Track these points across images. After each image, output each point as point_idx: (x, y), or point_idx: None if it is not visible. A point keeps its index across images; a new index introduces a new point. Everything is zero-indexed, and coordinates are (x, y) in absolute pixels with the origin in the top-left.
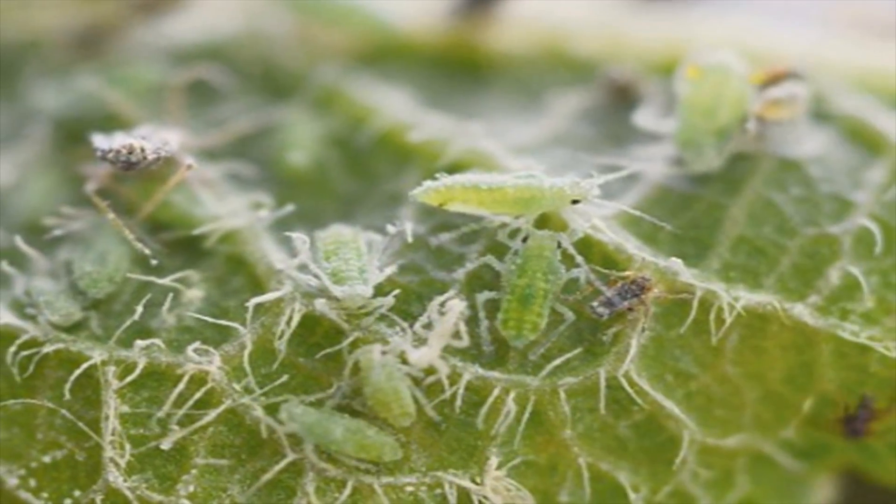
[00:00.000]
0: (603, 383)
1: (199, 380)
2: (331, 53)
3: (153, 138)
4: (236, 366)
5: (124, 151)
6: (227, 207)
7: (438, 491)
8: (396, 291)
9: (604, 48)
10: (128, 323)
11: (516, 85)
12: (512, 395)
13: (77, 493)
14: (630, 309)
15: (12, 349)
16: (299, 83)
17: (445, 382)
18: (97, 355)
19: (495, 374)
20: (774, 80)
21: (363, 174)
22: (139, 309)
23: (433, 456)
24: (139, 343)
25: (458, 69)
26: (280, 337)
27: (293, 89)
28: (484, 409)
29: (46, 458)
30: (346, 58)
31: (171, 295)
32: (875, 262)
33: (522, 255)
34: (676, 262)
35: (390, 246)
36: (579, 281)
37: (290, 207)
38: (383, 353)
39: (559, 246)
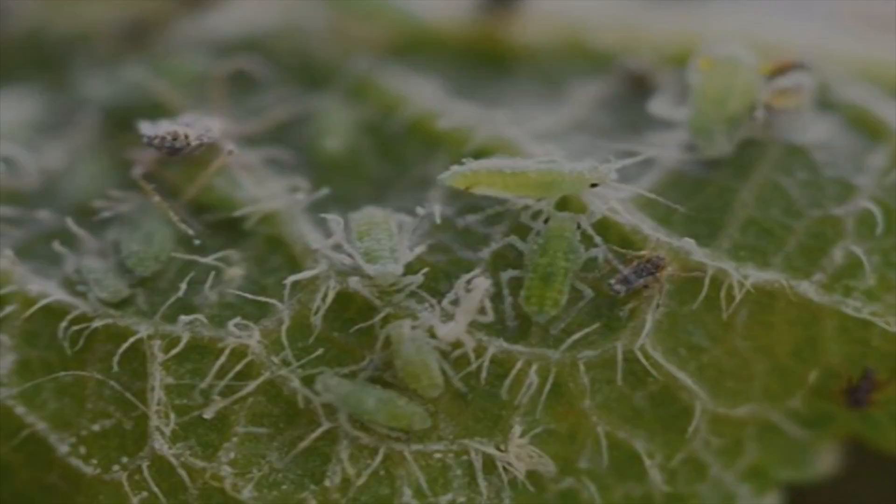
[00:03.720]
0: (620, 356)
1: (239, 353)
2: (364, 46)
3: (196, 125)
4: (274, 340)
5: (169, 138)
6: (266, 191)
7: (465, 458)
8: (425, 270)
9: (621, 41)
10: (172, 299)
11: (538, 75)
12: (534, 367)
13: (124, 459)
14: (645, 286)
15: (63, 324)
16: (334, 74)
17: (471, 355)
18: (143, 330)
19: (518, 347)
20: (782, 70)
21: (394, 159)
22: (183, 286)
23: (460, 425)
24: (183, 318)
25: (483, 60)
26: (316, 313)
27: (328, 79)
28: (508, 381)
29: (96, 427)
30: (378, 50)
31: (213, 273)
32: (876, 243)
33: (544, 236)
34: (689, 242)
35: (420, 227)
36: (598, 260)
37: (325, 191)
38: (413, 327)
39: (579, 227)
